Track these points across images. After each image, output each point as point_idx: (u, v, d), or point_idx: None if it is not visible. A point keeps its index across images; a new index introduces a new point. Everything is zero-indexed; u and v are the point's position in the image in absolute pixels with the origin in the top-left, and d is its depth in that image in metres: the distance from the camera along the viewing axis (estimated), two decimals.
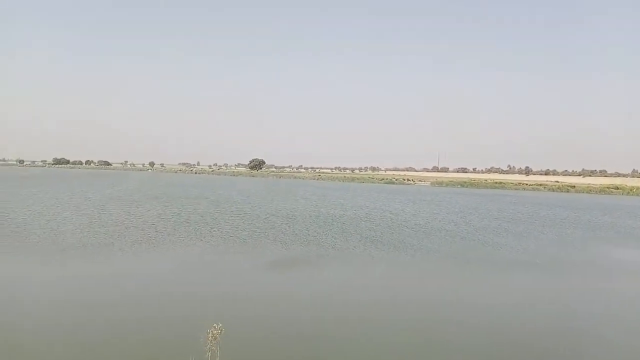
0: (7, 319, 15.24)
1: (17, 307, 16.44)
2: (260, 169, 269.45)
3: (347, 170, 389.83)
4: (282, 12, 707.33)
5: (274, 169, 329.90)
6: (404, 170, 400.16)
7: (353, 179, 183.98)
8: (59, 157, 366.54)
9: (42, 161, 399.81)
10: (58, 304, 16.97)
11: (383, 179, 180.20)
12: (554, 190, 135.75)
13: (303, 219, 44.44)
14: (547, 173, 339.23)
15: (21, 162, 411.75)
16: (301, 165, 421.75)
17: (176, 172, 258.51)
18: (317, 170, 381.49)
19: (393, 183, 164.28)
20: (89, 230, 33.74)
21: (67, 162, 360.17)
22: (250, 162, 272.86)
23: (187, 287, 19.79)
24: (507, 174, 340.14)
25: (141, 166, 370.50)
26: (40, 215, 41.74)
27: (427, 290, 20.87)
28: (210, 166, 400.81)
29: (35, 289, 18.98)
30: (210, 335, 10.94)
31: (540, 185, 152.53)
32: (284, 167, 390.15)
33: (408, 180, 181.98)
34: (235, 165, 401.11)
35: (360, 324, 15.86)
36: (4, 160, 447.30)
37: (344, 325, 15.67)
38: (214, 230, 35.64)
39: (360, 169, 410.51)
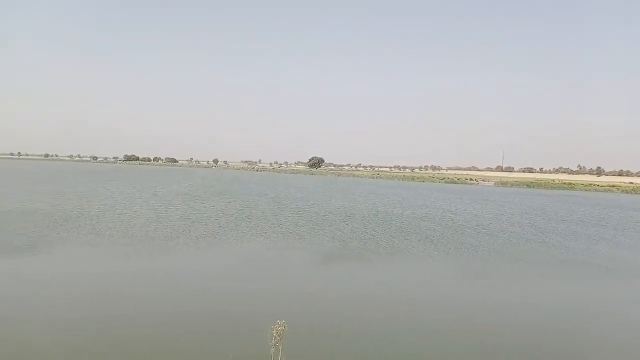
0: (83, 313, 16.33)
1: (88, 299, 17.53)
2: (319, 167, 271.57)
3: (407, 169, 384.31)
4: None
5: (332, 167, 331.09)
6: (466, 170, 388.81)
7: (413, 178, 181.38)
8: (129, 154, 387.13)
9: (114, 158, 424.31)
10: (123, 296, 17.79)
11: (444, 179, 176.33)
12: (628, 192, 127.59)
13: (361, 217, 44.41)
14: (620, 174, 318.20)
15: (95, 158, 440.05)
16: (360, 164, 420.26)
17: (238, 170, 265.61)
18: (376, 168, 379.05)
19: (455, 183, 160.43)
20: (157, 224, 35.38)
21: (137, 158, 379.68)
22: (310, 160, 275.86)
23: (249, 282, 20.31)
24: (576, 174, 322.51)
25: (205, 163, 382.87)
26: (112, 208, 44.25)
27: (488, 292, 20.28)
28: (271, 164, 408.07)
29: (104, 280, 20.16)
30: (274, 331, 11.08)
31: (613, 186, 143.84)
32: (342, 166, 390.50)
33: (471, 179, 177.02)
34: (295, 163, 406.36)
35: (419, 324, 15.71)
36: (79, 156, 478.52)
37: (403, 324, 15.58)
38: (275, 227, 36.36)
39: (420, 168, 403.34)
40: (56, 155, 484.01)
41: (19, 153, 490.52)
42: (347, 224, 39.19)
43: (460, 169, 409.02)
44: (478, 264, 25.97)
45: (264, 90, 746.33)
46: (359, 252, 27.65)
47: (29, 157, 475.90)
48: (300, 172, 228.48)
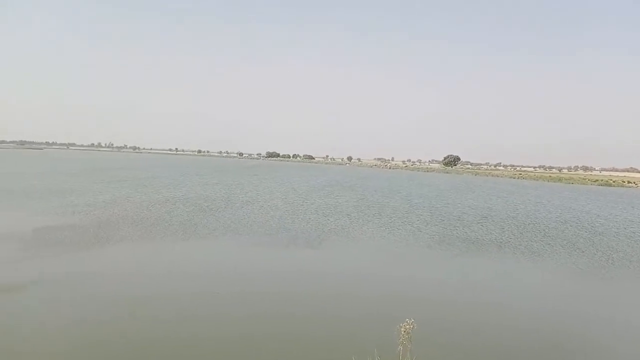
0: (220, 309, 17.85)
1: (233, 297, 18.92)
2: (455, 165, 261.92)
3: (553, 170, 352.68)
4: None
5: (469, 166, 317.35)
6: (622, 171, 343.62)
7: (560, 179, 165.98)
8: (271, 151, 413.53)
9: (257, 154, 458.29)
10: (255, 293, 18.73)
11: (597, 180, 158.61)
12: None
13: (498, 219, 41.98)
14: None
15: (241, 154, 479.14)
16: (500, 163, 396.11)
17: (371, 167, 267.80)
18: (518, 168, 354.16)
19: (609, 185, 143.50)
20: (293, 217, 37.24)
21: (278, 155, 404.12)
22: (445, 158, 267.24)
23: (378, 278, 20.48)
24: None
25: (340, 160, 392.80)
26: (254, 200, 47.61)
27: None
28: (403, 161, 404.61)
29: (244, 271, 21.84)
30: (402, 330, 10.94)
31: None
32: (480, 165, 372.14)
33: (628, 182, 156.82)
34: (429, 161, 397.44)
35: (568, 339, 14.47)
36: (227, 152, 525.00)
37: (545, 338, 14.49)
38: (405, 224, 36.03)
39: (569, 169, 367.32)
40: (207, 152, 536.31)
41: (176, 149, 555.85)
42: (481, 226, 37.35)
43: (616, 170, 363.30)
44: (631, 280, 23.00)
45: (400, 91, 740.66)
46: (494, 257, 26.16)
47: (185, 152, 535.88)
48: (433, 171, 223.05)
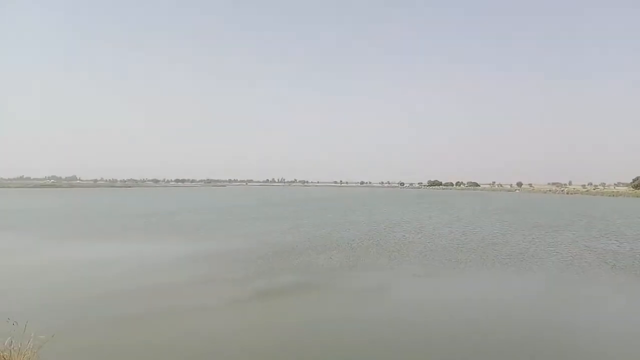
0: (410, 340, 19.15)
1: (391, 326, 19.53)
2: None
3: None
4: None
5: None
6: None
7: None
8: (432, 180, 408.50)
9: (418, 183, 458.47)
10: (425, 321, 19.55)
11: None
12: None
13: None
14: None
15: (401, 184, 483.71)
16: None
17: (545, 193, 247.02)
18: None
19: None
20: (457, 247, 37.05)
21: (440, 183, 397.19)
22: (634, 180, 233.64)
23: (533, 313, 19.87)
24: None
25: (509, 187, 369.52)
26: (418, 230, 48.29)
27: None
28: (583, 185, 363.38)
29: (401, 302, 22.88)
30: None
31: None
32: None
33: None
34: (615, 184, 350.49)
35: None
36: (388, 183, 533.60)
37: None
38: (576, 260, 33.01)
39: None
40: (369, 182, 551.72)
41: (340, 181, 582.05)
42: None
43: None
44: None
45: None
46: None
47: (349, 184, 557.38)
48: (620, 195, 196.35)
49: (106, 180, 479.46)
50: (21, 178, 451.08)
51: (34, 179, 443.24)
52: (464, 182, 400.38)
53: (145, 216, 66.35)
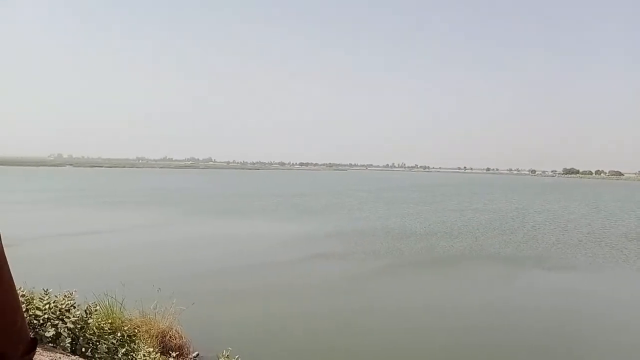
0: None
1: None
2: None
3: None
4: None
5: None
6: None
7: None
8: (568, 167, 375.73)
9: (552, 171, 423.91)
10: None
11: None
12: None
13: None
14: None
15: (533, 172, 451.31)
16: None
17: None
18: None
19: None
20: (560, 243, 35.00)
21: (577, 171, 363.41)
22: None
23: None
24: None
25: None
26: (546, 223, 45.98)
27: None
28: None
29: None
30: None
31: None
32: None
33: None
34: None
35: None
36: (517, 170, 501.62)
37: None
38: None
39: None
40: (496, 169, 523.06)
41: (464, 167, 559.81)
42: None
43: None
44: None
45: None
46: None
47: (473, 171, 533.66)
48: None
49: (237, 163, 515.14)
50: (165, 159, 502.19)
51: (175, 160, 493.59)
52: (604, 170, 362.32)
53: (280, 196, 71.11)
